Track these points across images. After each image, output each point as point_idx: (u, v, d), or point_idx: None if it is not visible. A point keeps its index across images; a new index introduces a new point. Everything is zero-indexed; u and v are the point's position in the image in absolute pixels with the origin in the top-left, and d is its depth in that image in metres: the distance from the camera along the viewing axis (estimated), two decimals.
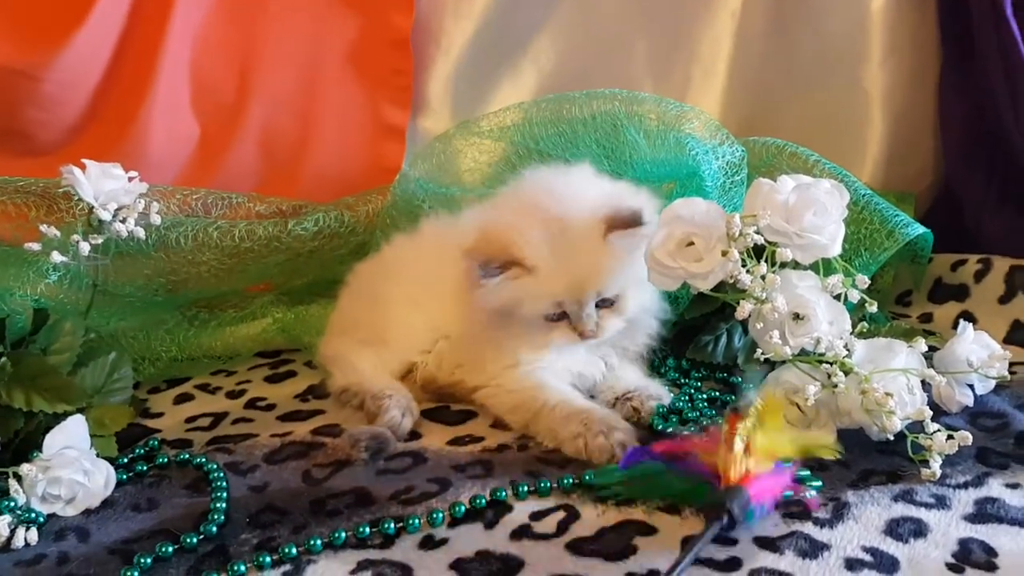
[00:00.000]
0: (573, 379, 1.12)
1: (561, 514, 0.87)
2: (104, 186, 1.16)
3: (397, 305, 1.21)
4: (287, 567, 0.81)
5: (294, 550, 0.82)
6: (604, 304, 1.07)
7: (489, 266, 1.04)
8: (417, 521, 0.87)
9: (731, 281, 0.95)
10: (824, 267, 1.00)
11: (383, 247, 1.33)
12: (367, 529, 0.85)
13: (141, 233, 1.18)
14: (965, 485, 0.87)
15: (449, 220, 1.28)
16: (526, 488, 0.91)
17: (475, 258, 1.04)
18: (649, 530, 0.83)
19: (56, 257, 1.12)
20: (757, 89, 1.71)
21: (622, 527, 0.84)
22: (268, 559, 0.81)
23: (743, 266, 0.95)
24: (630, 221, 1.02)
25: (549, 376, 1.10)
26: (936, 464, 0.88)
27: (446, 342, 1.19)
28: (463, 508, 0.89)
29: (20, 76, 1.44)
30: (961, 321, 1.06)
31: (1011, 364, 1.03)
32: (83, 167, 1.16)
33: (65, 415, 1.01)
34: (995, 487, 0.87)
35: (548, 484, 0.91)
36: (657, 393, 1.10)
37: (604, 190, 1.09)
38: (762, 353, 0.97)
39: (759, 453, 0.81)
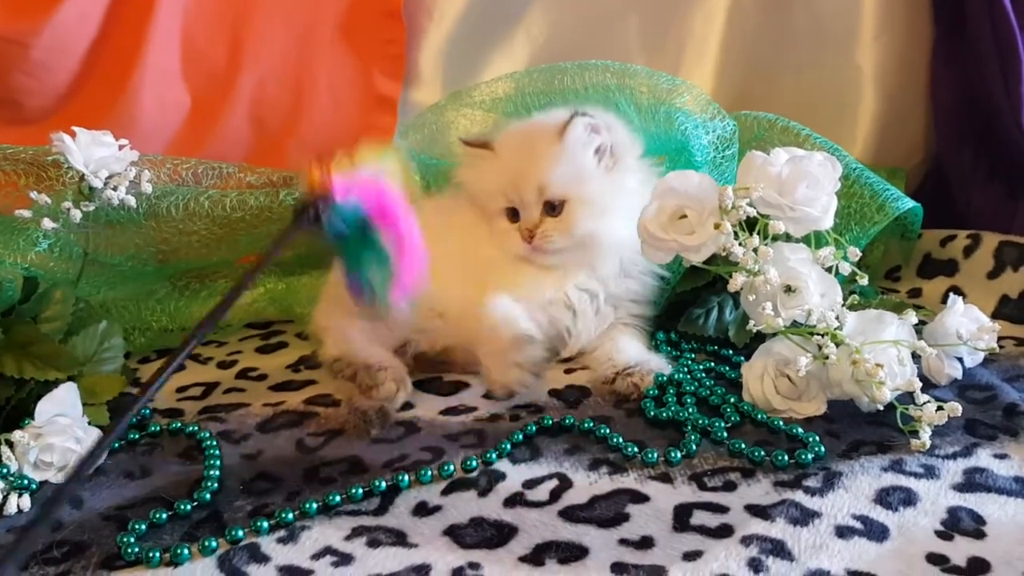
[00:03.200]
0: (541, 322, 1.13)
1: (554, 482, 0.88)
2: (95, 153, 1.15)
3: None
4: (283, 532, 0.82)
5: (290, 515, 0.83)
6: (551, 212, 1.15)
7: (469, 141, 1.22)
8: (407, 478, 0.88)
9: (724, 254, 0.95)
10: (816, 240, 1.00)
11: None
12: (359, 491, 0.87)
13: (132, 201, 1.17)
14: (954, 456, 0.88)
15: (447, 197, 1.30)
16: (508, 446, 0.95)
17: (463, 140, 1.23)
18: (641, 498, 0.84)
19: (47, 224, 1.11)
20: (749, 64, 1.70)
21: (614, 495, 0.85)
22: (265, 524, 0.82)
23: (735, 238, 0.95)
24: (577, 115, 1.12)
25: (510, 305, 1.11)
26: (926, 435, 0.89)
27: (440, 320, 1.19)
28: (452, 468, 0.90)
29: (8, 43, 1.43)
30: (951, 294, 1.07)
31: (999, 338, 1.04)
32: (73, 134, 1.15)
33: (56, 383, 1.00)
34: (983, 457, 0.88)
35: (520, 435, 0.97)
36: (658, 366, 1.10)
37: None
38: (754, 325, 0.98)
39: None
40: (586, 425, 0.98)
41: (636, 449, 0.92)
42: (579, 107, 1.17)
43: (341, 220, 0.79)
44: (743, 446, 0.91)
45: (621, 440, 0.94)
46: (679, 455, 0.91)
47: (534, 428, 0.98)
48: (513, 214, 1.18)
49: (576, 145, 1.13)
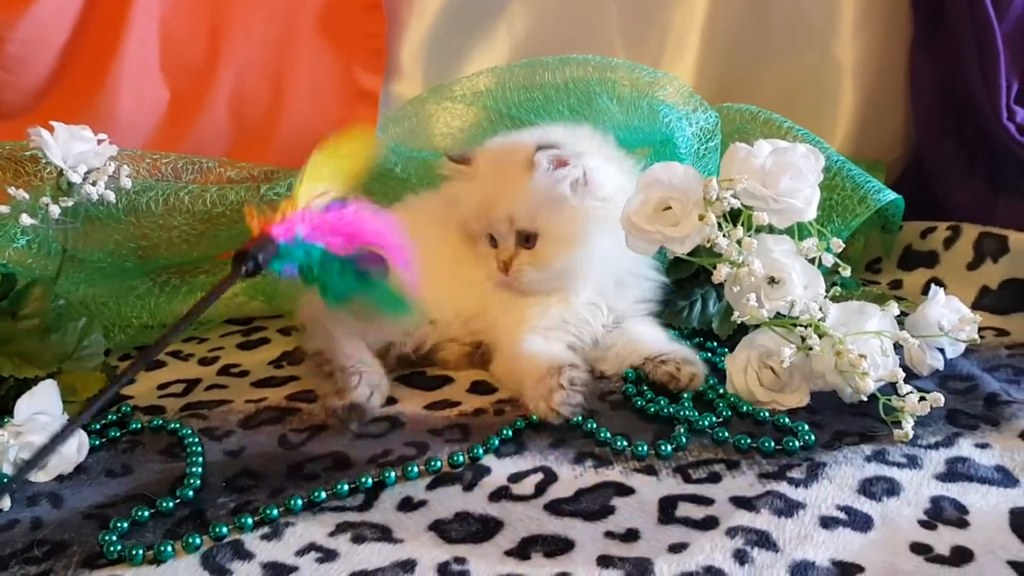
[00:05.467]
0: (574, 335, 1.13)
1: (539, 476, 0.88)
2: (73, 148, 1.14)
3: None
4: (266, 529, 0.81)
5: (275, 511, 0.82)
6: (525, 244, 1.12)
7: (452, 156, 1.17)
8: (393, 475, 0.88)
9: (708, 245, 0.95)
10: (798, 232, 1.00)
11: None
12: (345, 487, 0.86)
13: (111, 196, 1.16)
14: (936, 445, 0.89)
15: (436, 198, 1.25)
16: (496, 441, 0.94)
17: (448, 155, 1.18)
18: (626, 490, 0.84)
19: (25, 220, 1.10)
20: (730, 58, 1.71)
21: (600, 488, 0.85)
22: (249, 521, 0.81)
23: (719, 230, 0.95)
24: (540, 150, 1.08)
25: (541, 341, 1.10)
26: (909, 425, 0.89)
27: (430, 327, 1.18)
28: (439, 463, 0.90)
29: None
30: (932, 285, 1.08)
31: (980, 328, 1.04)
32: (51, 129, 1.14)
33: (36, 380, 0.99)
34: (965, 447, 0.88)
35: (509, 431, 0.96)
36: (690, 356, 1.08)
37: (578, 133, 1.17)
38: (738, 316, 0.98)
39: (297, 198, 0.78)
40: (575, 419, 0.97)
41: (625, 443, 0.91)
42: (546, 136, 1.15)
43: (292, 261, 0.75)
44: (727, 434, 0.92)
45: (609, 435, 0.93)
46: (670, 448, 0.90)
47: (523, 423, 0.98)
48: (492, 240, 1.15)
49: (542, 180, 1.09)
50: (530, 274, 1.12)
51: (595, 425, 0.96)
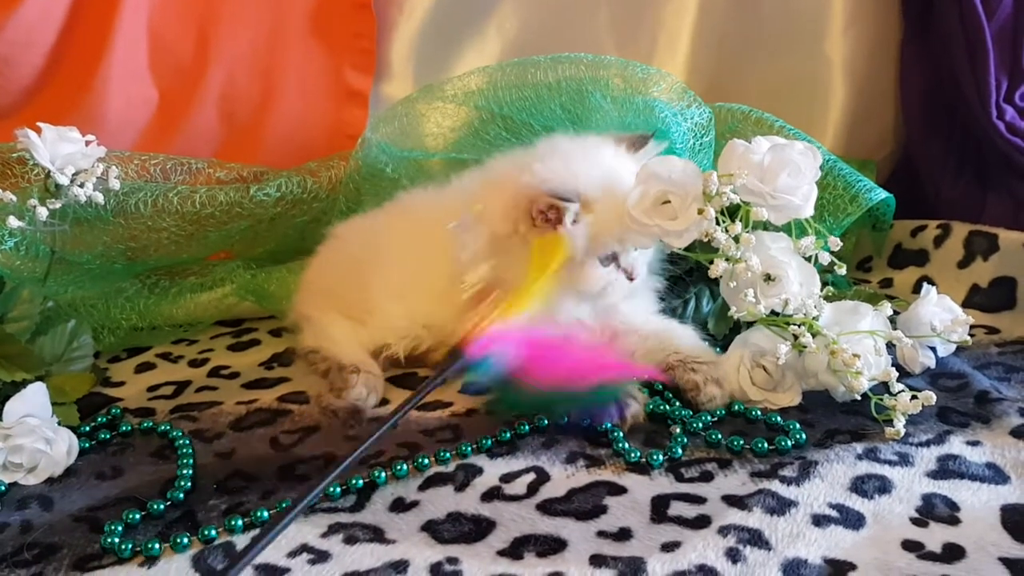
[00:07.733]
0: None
1: (531, 476, 0.88)
2: (61, 150, 1.13)
3: (382, 293, 1.17)
4: (258, 531, 0.80)
5: (265, 514, 0.82)
6: None
7: (564, 200, 0.97)
8: (383, 475, 0.87)
9: (706, 239, 0.95)
10: (794, 230, 1.00)
11: (372, 210, 1.31)
12: (338, 489, 0.86)
13: (100, 198, 1.16)
14: (927, 443, 0.89)
15: (440, 194, 1.23)
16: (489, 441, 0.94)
17: (541, 198, 0.97)
18: (619, 490, 0.84)
19: (13, 222, 1.10)
20: (720, 56, 1.71)
21: (592, 487, 0.85)
22: (239, 522, 0.81)
23: (717, 225, 0.95)
24: (641, 140, 1.03)
25: None
26: (900, 423, 0.89)
27: (425, 331, 1.17)
28: (427, 460, 0.90)
29: None
30: (924, 284, 1.08)
31: (970, 327, 1.05)
32: (39, 130, 1.13)
33: (24, 383, 0.99)
34: (956, 444, 0.88)
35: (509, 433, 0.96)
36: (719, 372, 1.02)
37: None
38: (734, 312, 0.98)
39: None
40: (585, 423, 0.97)
41: (639, 454, 0.90)
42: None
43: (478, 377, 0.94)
44: (720, 436, 0.92)
45: (627, 446, 0.91)
46: (680, 451, 0.90)
47: (527, 428, 0.97)
48: (610, 258, 1.03)
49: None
50: (643, 268, 1.06)
51: (622, 435, 0.94)
